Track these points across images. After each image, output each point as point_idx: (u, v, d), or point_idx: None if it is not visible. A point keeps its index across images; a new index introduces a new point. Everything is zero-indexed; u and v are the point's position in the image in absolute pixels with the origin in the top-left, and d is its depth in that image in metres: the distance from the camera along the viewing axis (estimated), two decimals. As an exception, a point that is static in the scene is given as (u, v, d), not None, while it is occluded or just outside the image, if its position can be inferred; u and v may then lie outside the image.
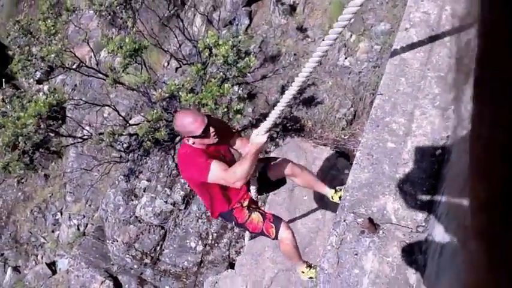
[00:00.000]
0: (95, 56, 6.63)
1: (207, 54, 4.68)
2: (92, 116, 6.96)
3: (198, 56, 5.58)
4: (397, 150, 1.98)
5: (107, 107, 6.33)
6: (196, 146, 2.70)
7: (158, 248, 5.39)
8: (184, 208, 5.35)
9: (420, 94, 2.11)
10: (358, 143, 2.59)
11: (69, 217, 6.69)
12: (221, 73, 4.73)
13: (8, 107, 5.48)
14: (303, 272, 3.20)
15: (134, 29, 5.27)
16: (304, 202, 4.05)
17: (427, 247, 1.67)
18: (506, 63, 0.33)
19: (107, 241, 5.82)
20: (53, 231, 7.09)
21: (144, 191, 5.76)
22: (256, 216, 2.96)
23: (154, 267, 5.41)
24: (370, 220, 1.80)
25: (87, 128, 6.59)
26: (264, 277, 3.85)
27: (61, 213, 7.08)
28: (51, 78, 8.48)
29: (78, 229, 6.53)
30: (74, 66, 6.50)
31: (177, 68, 6.66)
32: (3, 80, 9.14)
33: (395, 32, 4.56)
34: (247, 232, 3.83)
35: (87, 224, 6.51)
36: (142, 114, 6.00)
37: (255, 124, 5.27)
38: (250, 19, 6.49)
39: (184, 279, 5.24)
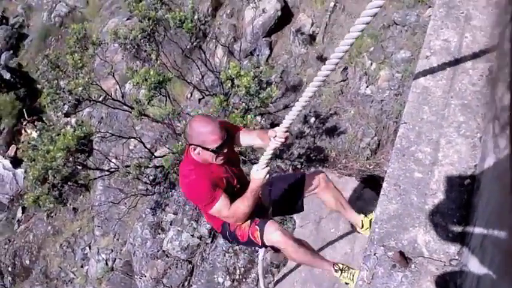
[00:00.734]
0: (120, 89, 6.69)
1: (229, 85, 4.68)
2: (118, 148, 7.04)
3: (220, 87, 5.64)
4: (424, 180, 1.95)
5: (132, 139, 6.40)
6: (199, 160, 2.51)
7: (186, 283, 5.33)
8: (211, 242, 5.32)
9: (445, 122, 2.09)
10: (384, 172, 2.56)
11: (98, 251, 6.73)
12: (244, 104, 4.74)
13: (38, 140, 5.55)
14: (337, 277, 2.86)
15: (158, 62, 5.35)
16: (332, 235, 3.97)
17: (462, 281, 1.61)
18: None
19: (135, 276, 5.80)
20: (82, 266, 7.12)
21: (171, 224, 5.77)
22: (245, 222, 2.73)
23: (183, 303, 5.34)
24: (401, 253, 1.76)
25: (113, 160, 6.67)
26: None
27: (90, 248, 7.12)
28: (79, 111, 8.61)
29: (107, 264, 6.55)
30: (100, 99, 6.53)
31: (200, 99, 6.75)
32: (25, 111, 9.43)
33: (416, 59, 4.57)
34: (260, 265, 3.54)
35: (115, 259, 6.52)
36: (167, 146, 6.07)
37: (278, 154, 5.29)
38: (271, 49, 6.60)
39: (213, 315, 5.14)
